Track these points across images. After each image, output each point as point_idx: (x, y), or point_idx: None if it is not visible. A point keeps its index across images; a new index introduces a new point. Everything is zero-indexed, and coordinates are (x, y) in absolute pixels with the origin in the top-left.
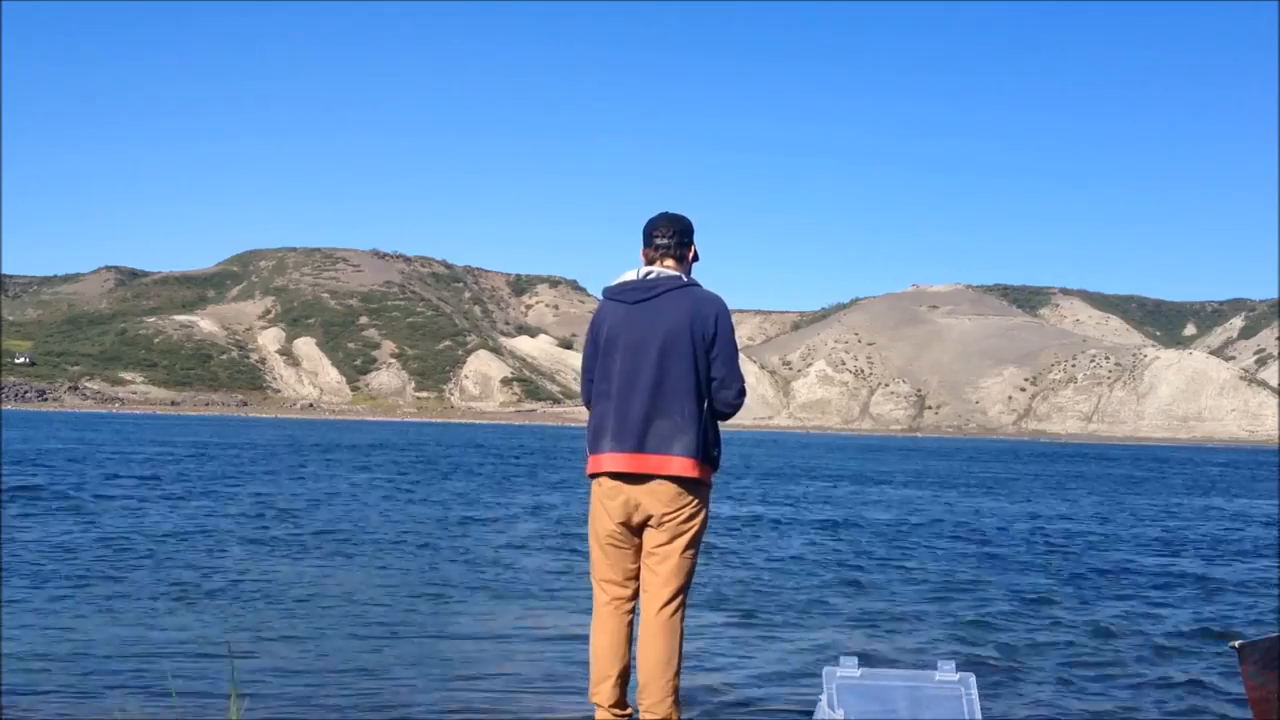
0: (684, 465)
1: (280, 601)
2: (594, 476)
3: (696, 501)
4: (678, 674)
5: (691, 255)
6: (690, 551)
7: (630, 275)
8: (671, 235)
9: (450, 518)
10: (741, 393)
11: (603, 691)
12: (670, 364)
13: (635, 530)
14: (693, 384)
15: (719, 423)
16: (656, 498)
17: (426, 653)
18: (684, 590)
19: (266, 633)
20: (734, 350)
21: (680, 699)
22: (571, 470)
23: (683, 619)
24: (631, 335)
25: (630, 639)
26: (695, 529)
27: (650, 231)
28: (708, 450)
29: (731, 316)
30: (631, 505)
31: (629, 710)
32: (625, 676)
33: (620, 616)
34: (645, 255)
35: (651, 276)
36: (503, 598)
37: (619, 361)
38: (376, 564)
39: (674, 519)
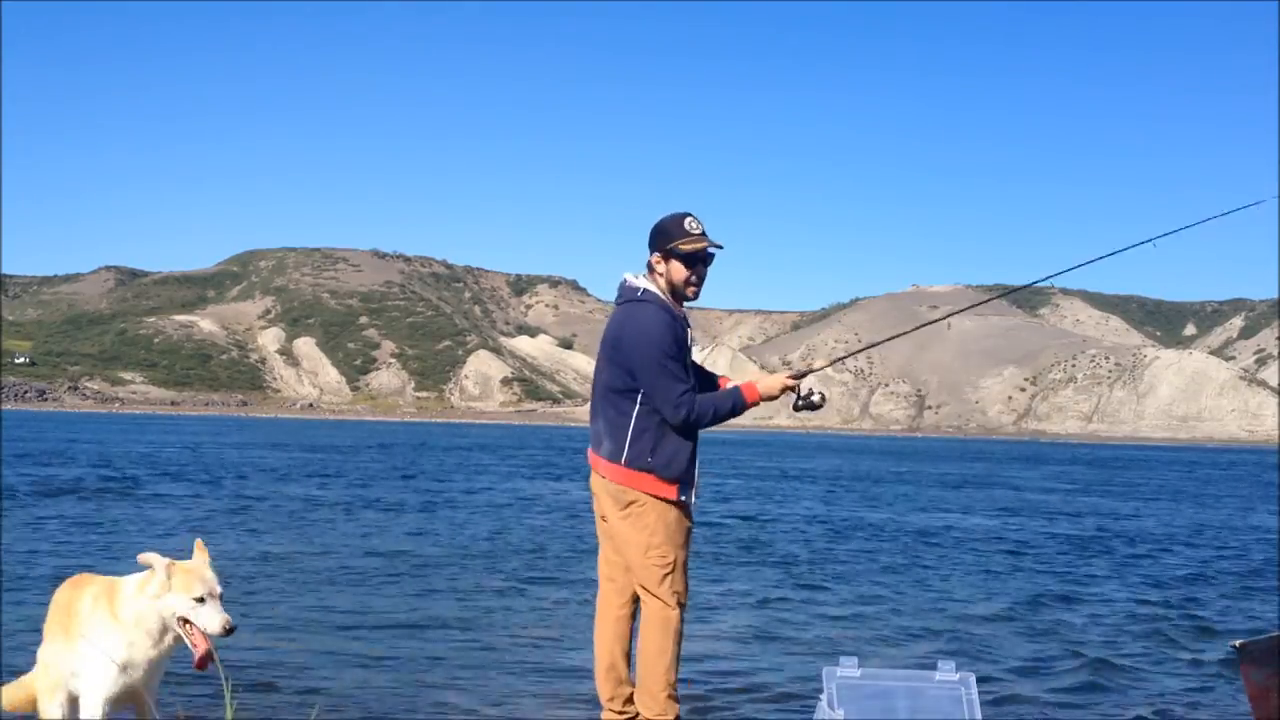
0: (608, 468)
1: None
2: None
3: (640, 507)
4: (671, 670)
5: (655, 261)
6: (653, 553)
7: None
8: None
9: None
10: (676, 413)
11: (599, 686)
12: (606, 370)
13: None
14: (617, 396)
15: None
16: (607, 494)
17: None
18: (668, 589)
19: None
20: (652, 372)
21: (678, 696)
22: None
23: (678, 618)
24: (602, 339)
25: (627, 635)
26: (647, 531)
27: None
28: (630, 457)
29: (662, 335)
30: (594, 495)
31: (628, 706)
32: (619, 672)
33: (612, 611)
34: None
35: (625, 286)
36: None
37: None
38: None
39: (623, 519)
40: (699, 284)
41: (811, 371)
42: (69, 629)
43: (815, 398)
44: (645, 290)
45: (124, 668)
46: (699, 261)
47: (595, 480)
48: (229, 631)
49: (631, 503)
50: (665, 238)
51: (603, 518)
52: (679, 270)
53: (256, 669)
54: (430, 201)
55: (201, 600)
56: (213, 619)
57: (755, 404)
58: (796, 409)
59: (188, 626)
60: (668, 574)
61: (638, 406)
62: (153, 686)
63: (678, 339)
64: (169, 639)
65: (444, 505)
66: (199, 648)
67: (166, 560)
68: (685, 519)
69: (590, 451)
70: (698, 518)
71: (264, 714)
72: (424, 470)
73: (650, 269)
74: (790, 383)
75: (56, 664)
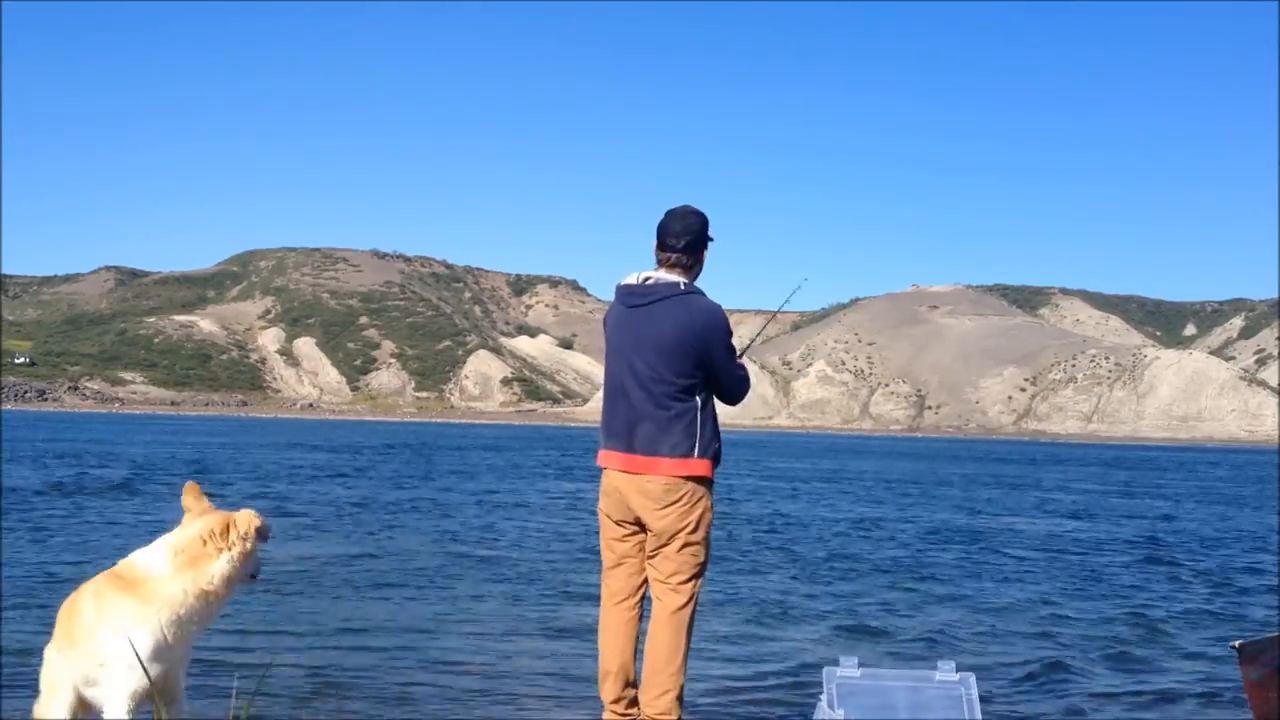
0: (671, 465)
1: None
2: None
3: (689, 500)
4: (681, 671)
5: (702, 255)
6: (689, 550)
7: (631, 278)
8: (681, 247)
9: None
10: (744, 391)
11: (604, 688)
12: (657, 369)
13: (635, 527)
14: (677, 389)
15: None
16: (647, 496)
17: None
18: (689, 588)
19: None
20: (730, 358)
21: (683, 697)
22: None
23: (691, 618)
24: (625, 339)
25: (635, 636)
26: (690, 527)
27: (661, 235)
28: (701, 448)
29: (728, 321)
30: (624, 501)
31: (631, 708)
32: (626, 673)
33: (620, 612)
34: (656, 255)
35: (649, 282)
36: None
37: (612, 363)
38: None
39: (665, 517)
40: None
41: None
42: (72, 633)
43: None
44: (687, 283)
45: (157, 657)
46: None
47: (629, 483)
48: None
49: (674, 501)
50: (703, 242)
51: (630, 521)
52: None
53: (259, 667)
54: (430, 201)
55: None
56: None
57: None
58: None
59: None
60: (696, 575)
61: (703, 397)
62: (183, 677)
63: None
64: (223, 604)
65: (500, 507)
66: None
67: (225, 514)
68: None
69: (627, 457)
70: (748, 519)
71: (264, 711)
72: (460, 470)
73: (689, 265)
74: None
75: (58, 668)
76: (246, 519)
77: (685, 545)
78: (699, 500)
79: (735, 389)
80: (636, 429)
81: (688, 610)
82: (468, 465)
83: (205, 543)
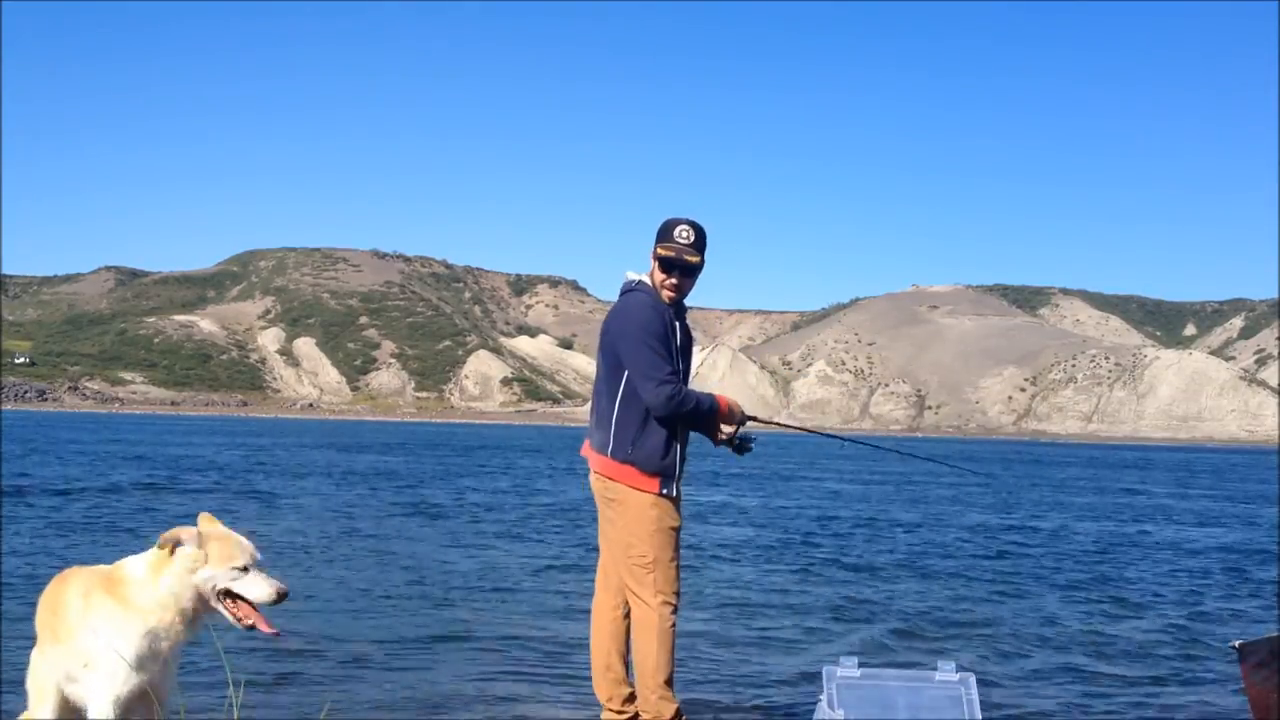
0: (598, 462)
1: None
2: None
3: (620, 504)
4: (659, 671)
5: (651, 257)
6: (636, 552)
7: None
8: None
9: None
10: (660, 390)
11: (595, 688)
12: (600, 362)
13: None
14: (606, 386)
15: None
16: (598, 489)
17: None
18: (650, 589)
19: None
20: (633, 349)
21: (673, 695)
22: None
23: (661, 618)
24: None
25: (621, 635)
26: (626, 532)
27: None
28: (616, 448)
29: (646, 319)
30: (593, 492)
31: (626, 706)
32: (614, 672)
33: (606, 612)
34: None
35: (624, 282)
36: None
37: None
38: None
39: (607, 514)
40: (675, 291)
41: (752, 419)
42: (56, 630)
43: (747, 443)
44: (640, 282)
45: (140, 662)
46: (674, 268)
47: (590, 476)
48: (282, 597)
49: (613, 499)
50: (657, 237)
51: (599, 516)
52: (656, 271)
53: (264, 669)
54: (430, 201)
55: (245, 569)
56: (261, 587)
57: (715, 415)
58: (730, 443)
59: (229, 601)
60: (648, 574)
61: (620, 395)
62: (168, 683)
63: (664, 324)
64: (200, 620)
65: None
66: (245, 620)
67: (195, 529)
68: (669, 515)
69: (585, 446)
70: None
71: (270, 713)
72: (516, 471)
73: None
74: (746, 416)
75: (43, 667)
76: (192, 534)
77: (627, 547)
78: (630, 504)
79: (645, 390)
80: (590, 420)
81: (656, 616)
82: (514, 466)
83: (170, 556)
